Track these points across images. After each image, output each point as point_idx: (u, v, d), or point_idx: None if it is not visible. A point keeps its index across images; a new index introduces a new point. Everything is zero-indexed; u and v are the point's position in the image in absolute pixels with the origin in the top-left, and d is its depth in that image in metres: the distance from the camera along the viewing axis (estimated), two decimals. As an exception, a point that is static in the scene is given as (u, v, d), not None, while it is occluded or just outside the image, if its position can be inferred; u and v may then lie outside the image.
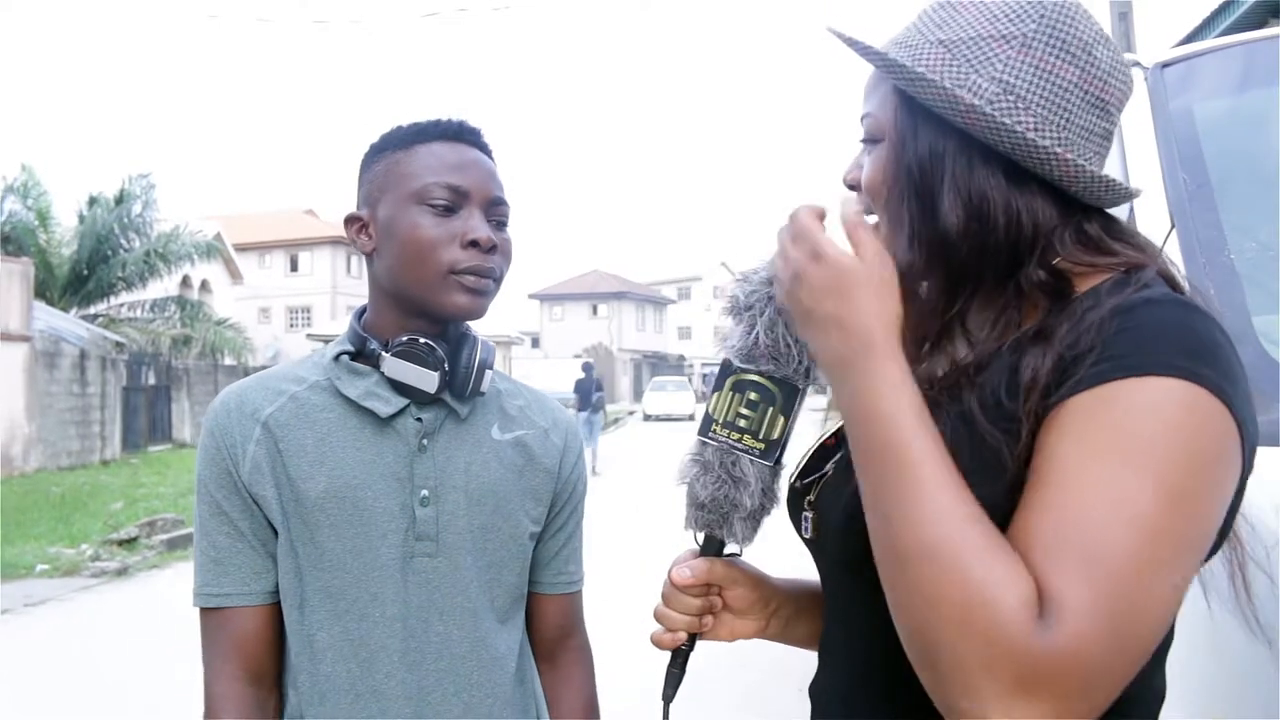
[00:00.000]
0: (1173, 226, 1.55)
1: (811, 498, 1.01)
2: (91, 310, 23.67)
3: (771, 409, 1.00)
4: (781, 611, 1.14)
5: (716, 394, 1.02)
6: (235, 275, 33.96)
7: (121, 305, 24.92)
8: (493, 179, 1.35)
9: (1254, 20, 8.55)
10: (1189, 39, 8.96)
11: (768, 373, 1.00)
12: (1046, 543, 0.74)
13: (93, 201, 24.27)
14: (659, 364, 56.48)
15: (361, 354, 1.35)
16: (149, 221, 24.38)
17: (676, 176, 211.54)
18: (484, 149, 1.37)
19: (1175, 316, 0.82)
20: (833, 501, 0.96)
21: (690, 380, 47.74)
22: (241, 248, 38.63)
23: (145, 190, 24.39)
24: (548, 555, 1.46)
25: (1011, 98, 0.90)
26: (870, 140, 1.00)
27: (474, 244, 1.29)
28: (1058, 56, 0.91)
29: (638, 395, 50.10)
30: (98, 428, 17.43)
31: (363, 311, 1.41)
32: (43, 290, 20.72)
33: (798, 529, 1.05)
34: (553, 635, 1.48)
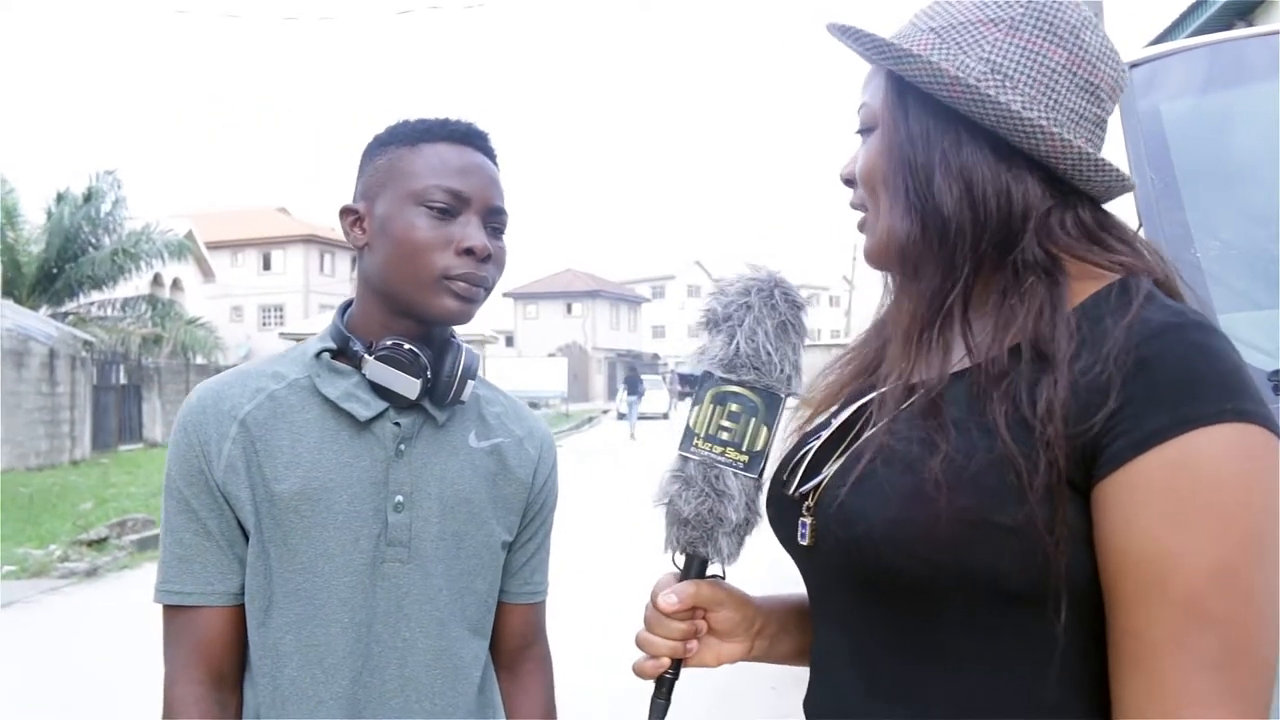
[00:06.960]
0: (1140, 225, 1.57)
1: (810, 504, 0.96)
2: (61, 309, 23.39)
3: (754, 420, 0.98)
4: (766, 631, 1.10)
5: (697, 407, 0.99)
6: (207, 273, 33.67)
7: (92, 304, 24.64)
8: (495, 186, 1.32)
9: (1222, 23, 8.66)
10: (1159, 40, 9.05)
11: (749, 382, 0.98)
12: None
13: (60, 198, 23.97)
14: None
15: (343, 352, 1.32)
16: (118, 219, 24.12)
17: (650, 175, 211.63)
18: (489, 154, 1.35)
19: (1196, 342, 0.81)
20: (837, 509, 0.91)
21: (664, 379, 47.69)
22: (213, 246, 38.31)
23: (114, 187, 24.11)
24: (516, 565, 1.44)
25: (999, 76, 0.92)
26: (865, 130, 1.01)
27: (469, 251, 1.27)
28: (1045, 39, 0.92)
29: (612, 394, 50.11)
30: (67, 427, 17.23)
31: (347, 306, 1.39)
32: (10, 288, 20.47)
33: (788, 537, 1.01)
34: (515, 645, 1.47)
